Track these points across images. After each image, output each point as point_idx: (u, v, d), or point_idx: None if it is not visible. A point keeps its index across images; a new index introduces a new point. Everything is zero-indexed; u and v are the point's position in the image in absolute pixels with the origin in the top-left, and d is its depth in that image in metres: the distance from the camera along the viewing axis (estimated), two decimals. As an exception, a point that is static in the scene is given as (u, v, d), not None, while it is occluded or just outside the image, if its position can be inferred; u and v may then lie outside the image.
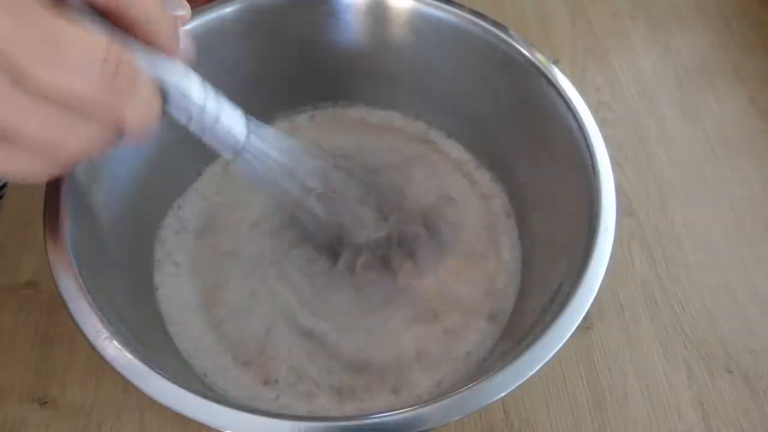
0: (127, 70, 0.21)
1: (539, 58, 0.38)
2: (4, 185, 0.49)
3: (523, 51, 0.38)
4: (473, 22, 0.40)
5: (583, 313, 0.30)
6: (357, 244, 0.40)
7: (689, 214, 0.47)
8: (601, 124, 0.51)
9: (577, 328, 0.30)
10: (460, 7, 0.40)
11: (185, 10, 0.35)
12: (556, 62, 0.55)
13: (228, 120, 0.29)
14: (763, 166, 0.50)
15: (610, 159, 0.49)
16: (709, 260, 0.45)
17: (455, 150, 0.46)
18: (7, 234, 0.44)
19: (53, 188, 0.32)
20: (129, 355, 0.28)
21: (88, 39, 0.20)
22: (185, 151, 0.38)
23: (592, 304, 0.30)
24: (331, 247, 0.40)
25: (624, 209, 0.47)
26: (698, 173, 0.49)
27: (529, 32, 0.57)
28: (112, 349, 0.28)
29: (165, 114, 0.26)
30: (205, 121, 0.28)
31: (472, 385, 0.28)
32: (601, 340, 0.42)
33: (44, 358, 0.40)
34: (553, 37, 0.57)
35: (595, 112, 0.52)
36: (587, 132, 0.35)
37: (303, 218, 0.38)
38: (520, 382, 0.28)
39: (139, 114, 0.22)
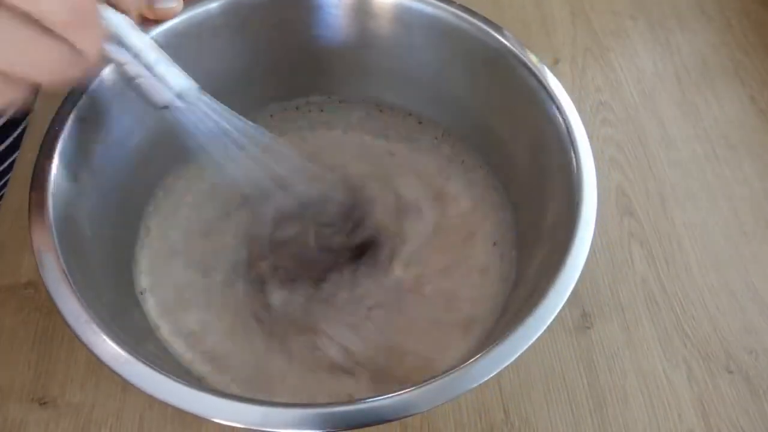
0: (88, 5, 0.25)
1: (530, 57, 0.38)
2: (4, 185, 0.49)
3: (513, 49, 0.39)
4: (462, 18, 0.40)
5: (567, 295, 0.30)
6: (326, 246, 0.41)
7: (689, 214, 0.47)
8: (601, 123, 0.52)
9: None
10: (449, 2, 0.40)
11: (176, 2, 0.35)
12: (556, 62, 0.55)
13: (165, 74, 0.32)
14: (763, 166, 0.50)
15: (610, 159, 0.50)
16: (709, 260, 0.45)
17: (445, 144, 0.46)
18: (7, 234, 0.44)
19: (39, 183, 0.32)
20: (110, 342, 0.28)
21: None
22: (169, 139, 0.38)
23: (575, 294, 0.30)
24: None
25: (624, 209, 0.47)
26: (698, 173, 0.49)
27: (529, 32, 0.57)
28: (91, 333, 0.29)
29: (109, 54, 0.30)
30: (140, 67, 0.31)
31: (462, 367, 0.28)
32: (601, 340, 0.42)
33: (44, 358, 0.40)
34: (553, 36, 0.57)
35: (595, 111, 0.53)
36: (573, 132, 0.35)
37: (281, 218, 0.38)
38: (506, 363, 0.29)
39: (90, 42, 0.25)
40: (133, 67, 0.31)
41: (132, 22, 0.31)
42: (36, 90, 0.25)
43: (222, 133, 0.35)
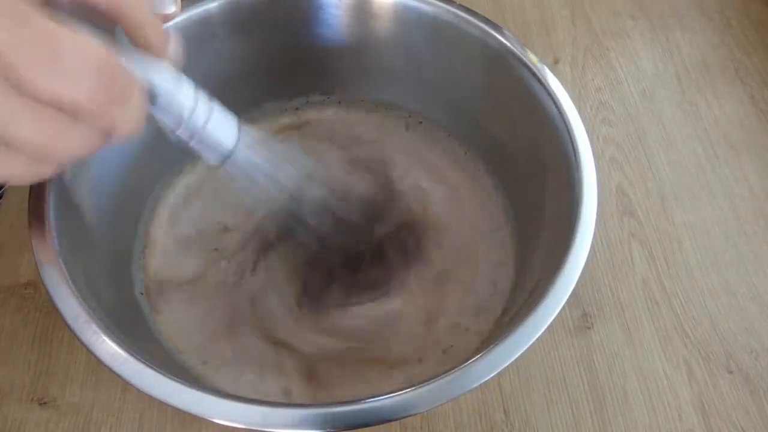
0: (121, 79, 0.21)
1: (530, 57, 0.38)
2: (4, 185, 0.49)
3: (513, 49, 0.39)
4: (462, 18, 0.40)
5: (566, 295, 0.30)
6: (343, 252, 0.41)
7: (689, 214, 0.47)
8: (602, 123, 0.52)
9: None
10: (449, 2, 0.40)
11: (175, 7, 0.35)
12: (556, 62, 0.55)
13: (217, 126, 0.28)
14: (763, 166, 0.50)
15: (610, 159, 0.50)
16: (709, 260, 0.45)
17: (445, 144, 0.46)
18: (7, 234, 0.44)
19: (39, 183, 0.32)
20: (110, 342, 0.28)
21: (86, 46, 0.20)
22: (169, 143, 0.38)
23: (575, 294, 0.30)
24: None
25: (624, 209, 0.47)
26: (698, 173, 0.49)
27: (529, 32, 0.57)
28: (91, 334, 0.28)
29: (153, 117, 0.26)
30: (193, 126, 0.28)
31: (462, 367, 0.28)
32: (601, 340, 0.42)
33: (44, 358, 0.40)
34: (553, 36, 0.57)
35: (595, 111, 0.53)
36: (573, 132, 0.35)
37: (282, 222, 0.38)
38: (506, 363, 0.29)
39: (129, 119, 0.22)
40: (185, 131, 0.28)
41: (178, 73, 0.27)
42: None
43: (261, 172, 0.33)
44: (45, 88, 0.19)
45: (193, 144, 0.28)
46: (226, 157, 0.30)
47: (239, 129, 0.30)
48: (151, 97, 0.26)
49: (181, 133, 0.28)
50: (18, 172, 0.22)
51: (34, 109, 0.20)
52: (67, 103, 0.20)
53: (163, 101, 0.26)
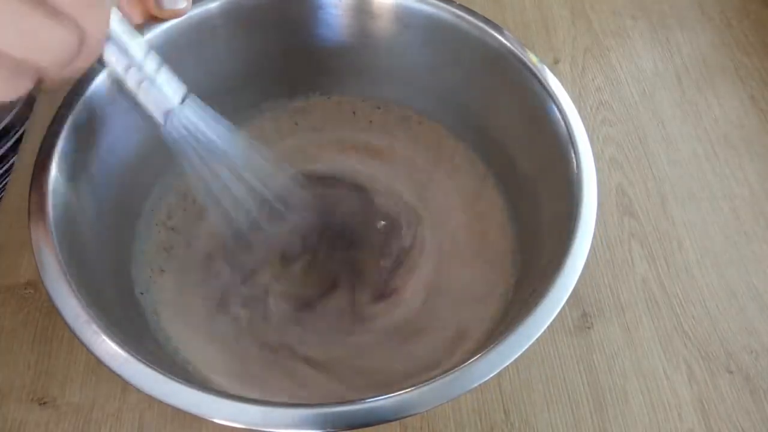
0: None
1: (530, 57, 0.38)
2: (4, 186, 0.49)
3: (513, 49, 0.39)
4: (462, 18, 0.40)
5: (567, 295, 0.30)
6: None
7: (689, 213, 0.47)
8: (602, 123, 0.52)
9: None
10: (449, 2, 0.40)
11: (186, 2, 0.35)
12: (556, 62, 0.55)
13: (163, 83, 0.31)
14: (763, 166, 0.50)
15: (610, 159, 0.50)
16: (709, 260, 0.45)
17: (445, 144, 0.46)
18: (7, 234, 0.44)
19: (38, 183, 0.32)
20: (110, 342, 0.28)
21: None
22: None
23: (575, 294, 0.30)
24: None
25: (624, 209, 0.47)
26: (698, 173, 0.49)
27: (529, 32, 0.57)
28: (91, 334, 0.28)
29: (106, 58, 0.30)
30: (141, 75, 0.31)
31: (462, 367, 0.28)
32: (601, 340, 0.42)
33: (44, 358, 0.40)
34: (553, 36, 0.57)
35: (595, 111, 0.53)
36: (573, 132, 0.35)
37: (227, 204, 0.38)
38: (506, 363, 0.29)
39: (97, 22, 0.25)
40: (132, 75, 0.31)
41: (131, 26, 0.30)
42: (39, 83, 0.25)
43: (210, 150, 0.34)
44: None
45: (140, 93, 0.31)
46: (168, 112, 0.32)
47: (186, 95, 0.33)
48: (108, 33, 0.29)
49: (130, 77, 0.31)
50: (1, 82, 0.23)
51: (17, 6, 0.22)
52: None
53: (117, 41, 0.30)
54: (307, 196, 0.42)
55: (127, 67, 0.30)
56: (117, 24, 0.29)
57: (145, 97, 0.31)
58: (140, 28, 0.36)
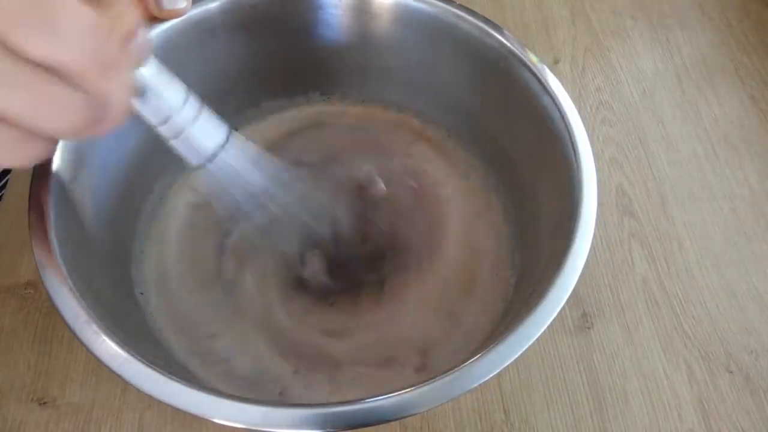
0: (115, 44, 0.22)
1: (530, 57, 0.38)
2: (4, 185, 0.49)
3: (513, 49, 0.39)
4: (462, 18, 0.40)
5: (566, 295, 0.30)
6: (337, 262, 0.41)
7: (689, 214, 0.47)
8: (602, 123, 0.52)
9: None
10: (449, 2, 0.40)
11: (186, 2, 0.35)
12: (556, 62, 0.55)
13: (202, 130, 0.29)
14: (763, 166, 0.50)
15: (610, 159, 0.50)
16: (709, 260, 0.45)
17: (444, 144, 0.46)
18: (7, 234, 0.44)
19: (38, 183, 0.32)
20: (110, 342, 0.28)
21: (78, 8, 0.20)
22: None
23: (575, 294, 0.30)
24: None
25: (624, 209, 0.47)
26: (698, 173, 0.49)
27: (529, 32, 0.57)
28: (91, 334, 0.28)
29: (139, 109, 0.27)
30: (178, 126, 0.28)
31: (462, 367, 0.28)
32: (601, 340, 0.42)
33: (44, 358, 0.40)
34: (553, 36, 0.57)
35: (595, 111, 0.53)
36: (573, 132, 0.35)
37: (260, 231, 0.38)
38: (506, 363, 0.29)
39: (119, 91, 0.23)
40: (169, 128, 0.28)
41: (168, 73, 0.27)
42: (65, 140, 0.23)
43: (251, 189, 0.34)
44: (36, 48, 0.20)
45: (175, 143, 0.29)
46: (207, 161, 0.30)
47: (227, 137, 0.30)
48: (140, 90, 0.26)
49: (165, 130, 0.28)
50: (8, 150, 0.22)
51: (26, 73, 0.20)
52: (60, 64, 0.20)
53: (151, 95, 0.27)
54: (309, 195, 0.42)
55: (164, 121, 0.28)
56: (151, 76, 0.26)
57: (182, 148, 0.29)
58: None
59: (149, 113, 0.27)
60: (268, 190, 0.35)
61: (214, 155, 0.30)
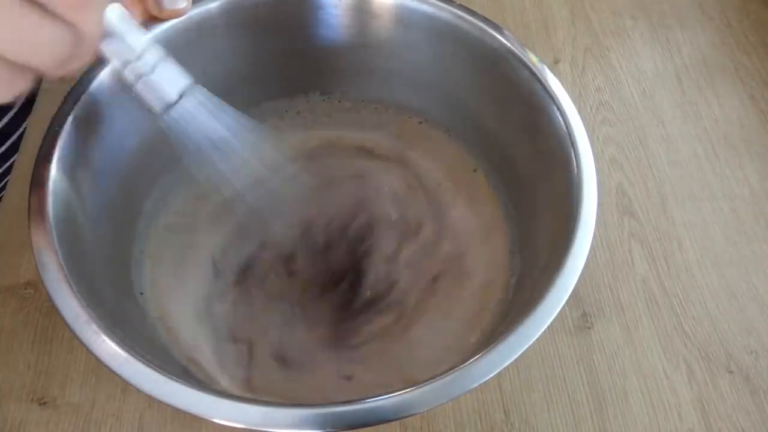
0: None
1: (530, 57, 0.38)
2: (4, 186, 0.49)
3: (513, 49, 0.39)
4: (462, 18, 0.40)
5: (567, 295, 0.30)
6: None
7: (689, 214, 0.47)
8: (602, 123, 0.52)
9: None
10: (449, 2, 0.40)
11: (186, 2, 0.35)
12: (556, 62, 0.55)
13: (161, 79, 0.31)
14: (763, 166, 0.50)
15: (610, 159, 0.50)
16: (709, 260, 0.45)
17: (444, 144, 0.46)
18: (7, 234, 0.44)
19: (39, 183, 0.32)
20: (110, 342, 0.28)
21: None
22: (167, 138, 0.38)
23: (575, 294, 0.30)
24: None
25: (624, 209, 0.47)
26: (698, 173, 0.49)
27: (529, 32, 0.57)
28: (91, 334, 0.28)
29: (104, 50, 0.30)
30: (139, 72, 0.31)
31: (462, 367, 0.28)
32: (601, 340, 0.42)
33: (44, 358, 0.40)
34: (554, 36, 0.57)
35: (595, 111, 0.53)
36: (573, 132, 0.35)
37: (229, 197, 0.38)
38: (506, 363, 0.29)
39: (92, 21, 0.25)
40: (131, 70, 0.31)
41: (133, 19, 0.30)
42: (38, 82, 0.25)
43: (216, 139, 0.34)
44: None
45: (138, 88, 0.31)
46: (168, 106, 0.32)
47: (186, 89, 0.32)
48: (107, 31, 0.29)
49: (128, 73, 0.31)
50: None
51: (7, 6, 0.22)
52: None
53: (115, 37, 0.30)
54: (308, 193, 0.42)
55: (126, 63, 0.30)
56: (116, 19, 0.29)
57: (143, 92, 0.32)
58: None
59: (113, 54, 0.30)
60: (233, 142, 0.35)
61: (176, 102, 0.32)
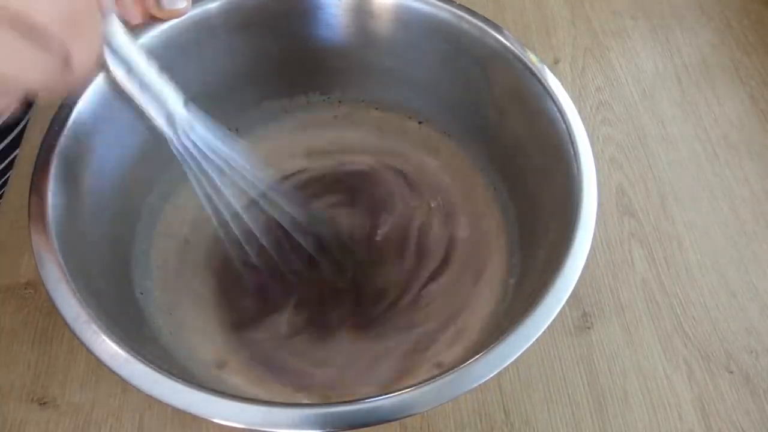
0: (88, 9, 0.24)
1: (530, 57, 0.38)
2: (5, 185, 0.49)
3: (513, 48, 0.39)
4: (462, 18, 0.40)
5: (566, 295, 0.31)
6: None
7: (689, 214, 0.47)
8: (602, 123, 0.52)
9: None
10: (449, 2, 0.40)
11: (186, 2, 0.35)
12: (556, 62, 0.55)
13: (164, 90, 0.32)
14: (763, 166, 0.50)
15: (610, 159, 0.50)
16: (709, 260, 0.45)
17: (444, 144, 0.46)
18: (7, 234, 0.44)
19: (38, 183, 0.32)
20: (110, 342, 0.28)
21: None
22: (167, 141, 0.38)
23: (575, 294, 0.30)
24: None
25: (624, 209, 0.47)
26: (698, 173, 0.49)
27: (529, 32, 0.57)
28: (91, 334, 0.29)
29: (106, 63, 0.30)
30: (142, 83, 0.31)
31: (462, 367, 0.28)
32: (601, 340, 0.42)
33: (44, 357, 0.40)
34: (554, 36, 0.57)
35: (595, 111, 0.53)
36: (573, 132, 0.35)
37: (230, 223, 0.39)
38: (506, 363, 0.29)
39: (87, 50, 0.25)
40: (133, 83, 0.31)
41: (130, 36, 0.31)
42: (30, 96, 0.25)
43: (206, 167, 0.35)
44: (12, 6, 0.21)
45: (142, 98, 0.32)
46: (172, 116, 0.33)
47: (186, 101, 0.33)
48: (107, 46, 0.30)
49: (131, 83, 0.31)
50: None
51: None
52: (32, 20, 0.22)
53: (117, 50, 0.30)
54: (304, 202, 0.42)
55: (128, 73, 0.31)
56: (116, 31, 0.30)
57: (147, 103, 0.32)
58: (140, 28, 0.36)
59: (115, 64, 0.30)
60: (226, 158, 0.36)
61: (179, 113, 0.33)
